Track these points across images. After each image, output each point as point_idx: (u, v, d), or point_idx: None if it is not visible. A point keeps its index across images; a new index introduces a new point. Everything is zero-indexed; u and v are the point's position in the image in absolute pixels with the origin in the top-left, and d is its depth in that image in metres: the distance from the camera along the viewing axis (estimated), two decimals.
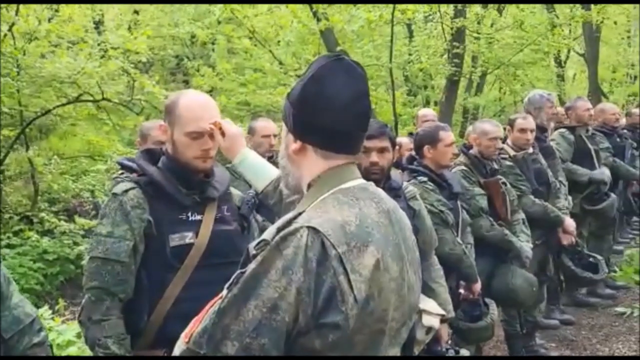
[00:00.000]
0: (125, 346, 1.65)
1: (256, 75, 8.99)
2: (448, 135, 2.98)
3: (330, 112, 1.13)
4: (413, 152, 3.13)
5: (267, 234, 1.08)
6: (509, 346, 3.88)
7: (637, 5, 17.11)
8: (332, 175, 1.17)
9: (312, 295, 1.04)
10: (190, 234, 1.72)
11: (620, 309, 4.69)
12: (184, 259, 1.70)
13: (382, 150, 2.31)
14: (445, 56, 8.35)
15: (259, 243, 1.08)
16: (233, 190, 1.95)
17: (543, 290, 3.99)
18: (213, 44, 12.71)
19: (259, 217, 3.31)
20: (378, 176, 2.31)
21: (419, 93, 12.81)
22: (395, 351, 1.18)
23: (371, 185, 1.21)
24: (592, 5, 10.19)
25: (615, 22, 18.32)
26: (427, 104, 12.26)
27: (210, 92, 11.55)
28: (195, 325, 1.10)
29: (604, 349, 4.02)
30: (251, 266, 1.07)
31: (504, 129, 3.92)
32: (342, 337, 1.05)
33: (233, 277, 1.08)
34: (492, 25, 10.74)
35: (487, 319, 2.97)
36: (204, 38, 10.25)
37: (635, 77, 23.14)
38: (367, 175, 2.31)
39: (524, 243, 3.45)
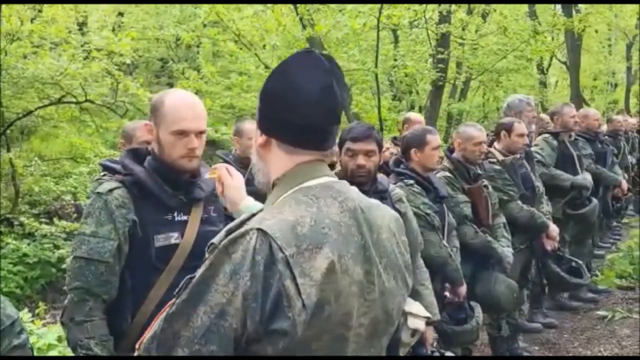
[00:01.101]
0: (108, 348, 1.63)
1: (242, 78, 8.97)
2: (435, 139, 3.00)
3: (294, 105, 1.10)
4: (400, 155, 3.14)
5: (217, 237, 1.06)
6: (493, 349, 3.90)
7: (618, 14, 17.42)
8: (297, 173, 1.13)
9: (260, 301, 1.00)
10: (175, 235, 1.71)
11: (601, 313, 4.73)
12: (169, 259, 1.68)
13: (368, 153, 2.31)
14: (430, 61, 8.40)
15: (208, 247, 1.06)
16: None
17: (523, 294, 4.03)
18: (198, 46, 12.66)
19: None
20: (365, 179, 2.32)
21: (404, 98, 12.89)
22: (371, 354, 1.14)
23: (337, 183, 1.15)
24: (574, 13, 10.36)
25: (596, 31, 18.64)
26: (411, 108, 12.33)
27: (196, 94, 11.50)
28: (147, 333, 1.08)
29: (586, 352, 4.06)
30: (200, 271, 1.04)
31: (496, 133, 3.95)
32: (294, 343, 1.01)
33: (182, 282, 1.06)
34: (476, 32, 10.86)
35: (473, 322, 2.98)
36: (189, 41, 10.20)
37: (616, 85, 23.55)
38: (353, 177, 2.33)
39: (505, 248, 3.48)
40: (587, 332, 4.42)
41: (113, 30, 12.07)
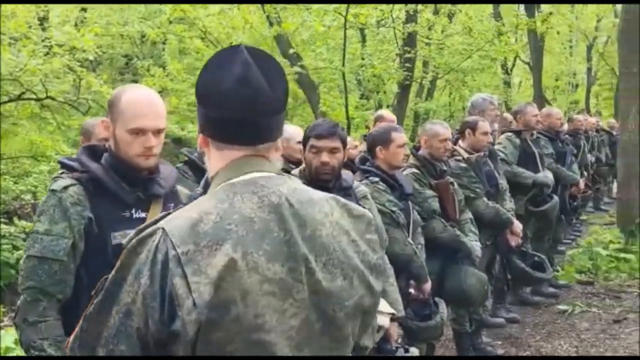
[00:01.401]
0: (62, 349, 1.58)
1: None
2: (400, 136, 3.01)
3: (213, 100, 1.08)
4: (365, 153, 3.15)
5: (127, 238, 1.06)
6: (457, 344, 3.95)
7: (578, 16, 17.89)
8: (227, 170, 1.11)
9: (158, 300, 0.99)
10: (132, 232, 1.67)
11: (562, 307, 4.86)
12: None
13: (332, 150, 2.30)
14: (397, 61, 8.47)
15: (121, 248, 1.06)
16: (180, 189, 1.90)
17: (488, 290, 4.09)
18: (164, 43, 12.47)
19: None
20: (329, 176, 2.31)
21: (371, 97, 12.97)
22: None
23: (265, 178, 1.10)
24: (537, 14, 10.60)
25: (558, 32, 19.11)
26: (379, 107, 12.42)
27: (161, 92, 11.33)
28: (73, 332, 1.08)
29: (547, 346, 4.15)
30: (113, 271, 1.05)
31: (460, 131, 4.01)
32: (206, 344, 0.98)
33: (99, 282, 1.07)
34: (442, 32, 11.00)
35: (437, 318, 3.01)
36: (154, 37, 10.03)
37: (577, 86, 24.19)
38: (317, 175, 2.33)
39: (474, 242, 3.53)
40: (547, 326, 4.52)
41: (76, 25, 11.77)
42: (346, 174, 2.45)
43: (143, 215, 1.69)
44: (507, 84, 16.78)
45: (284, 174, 1.16)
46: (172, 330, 0.98)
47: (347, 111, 7.71)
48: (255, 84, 1.07)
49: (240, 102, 1.07)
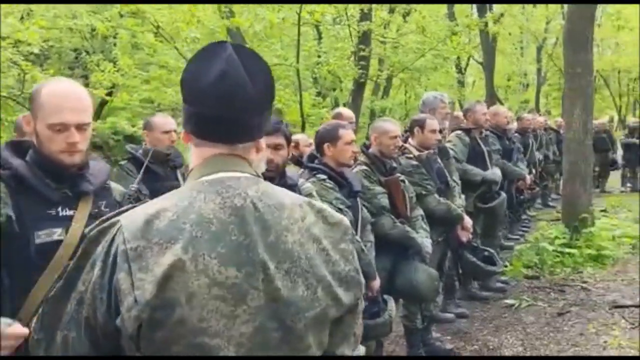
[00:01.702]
0: None
1: (160, 72, 8.68)
2: (348, 133, 3.01)
3: (192, 95, 1.07)
4: (314, 150, 3.13)
5: (90, 227, 1.06)
6: (408, 341, 3.99)
7: (529, 18, 18.42)
8: (200, 167, 1.09)
9: (106, 293, 0.99)
10: (59, 231, 1.59)
11: (509, 301, 4.97)
12: (51, 257, 1.57)
13: (276, 147, 2.27)
14: (352, 58, 8.50)
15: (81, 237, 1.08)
16: (114, 185, 1.83)
17: (439, 286, 4.14)
18: (115, 37, 12.13)
19: None
20: (273, 173, 2.28)
21: (328, 95, 12.99)
22: None
23: (232, 179, 1.07)
24: (488, 14, 10.83)
25: (509, 33, 19.62)
26: (335, 105, 12.45)
27: (112, 88, 11.03)
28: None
29: (494, 340, 4.24)
30: (74, 258, 1.06)
31: (410, 129, 4.04)
32: (151, 342, 0.97)
33: (64, 266, 1.09)
34: (397, 31, 11.11)
35: (385, 316, 3.02)
36: (103, 31, 9.75)
37: (528, 85, 24.91)
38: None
39: (425, 239, 3.56)
40: (495, 321, 4.62)
41: (22, 18, 11.32)
42: (291, 171, 2.42)
43: (70, 213, 1.62)
44: (461, 83, 17.15)
45: (259, 176, 1.12)
46: (116, 325, 0.98)
47: (301, 108, 7.68)
48: (235, 80, 1.04)
49: (218, 98, 1.05)
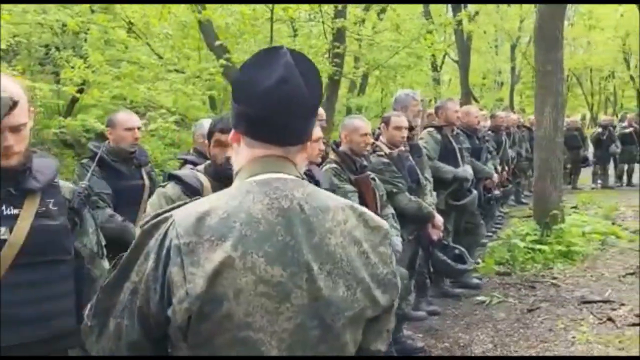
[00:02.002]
0: None
1: (131, 68, 8.51)
2: (315, 131, 2.96)
3: (251, 96, 1.11)
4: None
5: (144, 220, 1.12)
6: None
7: (503, 17, 18.61)
8: (250, 167, 1.13)
9: (159, 283, 1.04)
10: (3, 230, 1.53)
11: (480, 298, 5.00)
12: None
13: None
14: (327, 56, 8.46)
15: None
16: (63, 183, 1.76)
17: (411, 284, 4.14)
18: (86, 33, 11.89)
19: (110, 211, 3.10)
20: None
21: None
22: None
23: (280, 180, 1.11)
24: (463, 11, 10.89)
25: (484, 32, 19.80)
26: None
27: (83, 85, 10.80)
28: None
29: (465, 337, 4.25)
30: (128, 250, 1.10)
31: (379, 127, 4.03)
32: (196, 335, 1.02)
33: (119, 255, 1.12)
34: (373, 28, 11.11)
35: None
36: (73, 27, 9.53)
37: (502, 84, 25.19)
38: (224, 170, 2.22)
39: (395, 237, 3.54)
40: (467, 318, 4.64)
41: None
42: None
43: (15, 211, 1.56)
44: (437, 81, 17.22)
45: (303, 177, 1.17)
46: (167, 315, 1.03)
47: None
48: (294, 86, 1.09)
49: (278, 102, 1.09)
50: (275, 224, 1.07)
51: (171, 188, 2.13)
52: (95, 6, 9.90)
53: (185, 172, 2.23)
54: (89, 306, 1.15)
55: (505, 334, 4.28)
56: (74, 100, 11.16)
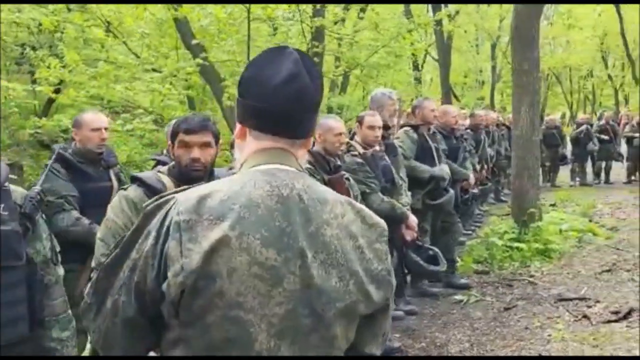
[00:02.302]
0: None
1: (107, 67, 8.39)
2: None
3: (261, 91, 1.15)
4: None
5: (149, 201, 1.15)
6: None
7: (483, 16, 18.73)
8: (255, 157, 1.17)
9: (157, 260, 1.07)
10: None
11: (458, 297, 4.99)
12: None
13: (204, 146, 2.17)
14: None
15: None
16: (14, 188, 1.70)
17: None
18: (62, 32, 11.71)
19: (76, 214, 3.02)
20: (200, 173, 2.18)
21: None
22: (293, 350, 1.09)
23: (282, 171, 1.14)
24: (442, 11, 10.91)
25: (465, 31, 19.92)
26: None
27: (59, 84, 10.63)
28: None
29: (442, 337, 4.24)
30: (130, 231, 1.14)
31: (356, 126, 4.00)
32: (188, 312, 1.05)
33: (121, 235, 1.18)
34: (354, 27, 11.07)
35: None
36: (48, 26, 9.38)
37: (483, 82, 25.37)
38: (188, 172, 2.18)
39: None
40: (444, 317, 4.63)
41: None
42: (219, 170, 2.33)
43: None
44: (418, 80, 17.28)
45: (303, 170, 1.20)
46: (162, 291, 1.06)
47: None
48: (303, 82, 1.14)
49: (289, 97, 1.13)
50: (273, 210, 1.09)
51: (133, 190, 2.09)
52: (72, 5, 9.74)
53: (148, 174, 2.18)
54: (89, 285, 1.18)
55: (482, 332, 4.28)
56: (51, 101, 10.99)
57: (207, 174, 2.22)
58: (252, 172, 1.15)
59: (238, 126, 1.22)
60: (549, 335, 4.10)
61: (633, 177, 12.01)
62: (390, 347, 4.03)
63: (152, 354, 1.19)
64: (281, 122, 1.16)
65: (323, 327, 1.11)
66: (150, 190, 2.04)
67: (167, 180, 2.13)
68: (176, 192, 1.15)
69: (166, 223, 1.08)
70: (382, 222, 1.23)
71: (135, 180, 2.12)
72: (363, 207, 1.23)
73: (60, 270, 1.77)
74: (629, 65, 22.63)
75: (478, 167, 7.29)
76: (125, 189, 2.11)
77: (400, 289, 4.76)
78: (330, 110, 13.99)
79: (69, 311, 1.91)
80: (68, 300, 1.97)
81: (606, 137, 11.81)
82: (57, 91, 10.83)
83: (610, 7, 20.76)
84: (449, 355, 3.95)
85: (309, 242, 1.10)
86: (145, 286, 1.08)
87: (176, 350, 1.09)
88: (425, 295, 5.11)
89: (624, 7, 20.11)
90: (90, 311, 1.17)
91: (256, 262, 1.06)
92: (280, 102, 1.14)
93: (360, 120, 3.87)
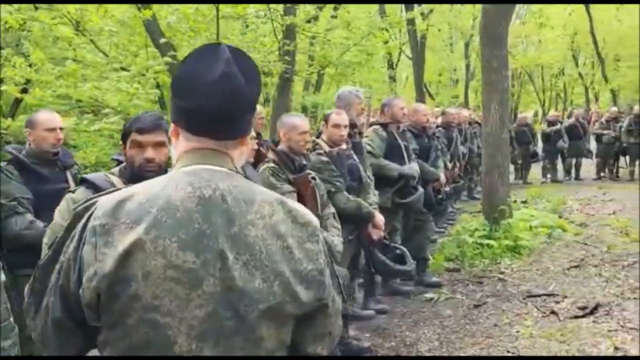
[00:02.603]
0: None
1: (74, 66, 8.19)
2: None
3: (192, 91, 1.14)
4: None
5: (77, 204, 1.16)
6: None
7: (456, 15, 18.86)
8: (185, 157, 1.17)
9: (78, 264, 1.07)
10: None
11: (429, 295, 4.99)
12: None
13: (157, 145, 2.11)
14: (276, 53, 8.35)
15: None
16: None
17: (354, 284, 4.09)
18: (29, 31, 11.44)
19: (30, 217, 2.92)
20: (154, 173, 2.10)
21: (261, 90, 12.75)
22: (217, 352, 1.09)
23: (208, 171, 1.14)
24: (415, 10, 10.94)
25: (439, 30, 20.05)
26: (266, 101, 12.27)
27: (26, 84, 10.37)
28: None
29: (412, 335, 4.23)
30: (61, 231, 1.14)
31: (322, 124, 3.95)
32: (109, 314, 1.06)
33: (54, 237, 1.17)
34: (328, 24, 11.04)
35: None
36: (13, 24, 9.13)
37: (457, 81, 25.58)
38: (141, 172, 2.11)
39: (335, 237, 3.47)
40: (414, 315, 4.62)
41: None
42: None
43: None
44: (392, 78, 17.33)
45: (238, 171, 1.19)
46: (79, 294, 1.07)
47: None
48: (236, 81, 1.12)
49: (221, 96, 1.12)
50: (193, 212, 1.09)
51: (81, 193, 2.02)
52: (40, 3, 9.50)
53: (96, 175, 2.11)
54: (28, 284, 1.18)
55: (452, 330, 4.28)
56: (18, 101, 10.73)
57: (161, 174, 2.16)
58: (176, 174, 1.15)
59: (172, 125, 1.20)
60: (517, 332, 4.11)
61: (602, 174, 12.22)
62: (359, 347, 4.00)
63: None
64: (212, 123, 1.15)
65: (247, 329, 1.10)
66: (99, 192, 1.95)
67: (117, 181, 2.06)
68: (107, 192, 1.14)
69: (88, 227, 1.09)
70: (315, 221, 1.21)
71: (83, 182, 2.04)
72: (296, 206, 1.20)
73: (2, 276, 1.69)
74: (599, 64, 23.06)
75: (450, 165, 7.31)
76: (73, 192, 2.03)
77: (371, 288, 4.75)
78: (304, 109, 13.96)
79: (11, 319, 1.82)
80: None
81: (548, 131, 12.03)
82: (24, 91, 10.58)
83: (580, 7, 21.12)
84: (418, 354, 3.93)
85: (231, 244, 1.09)
86: (69, 289, 1.09)
87: (105, 352, 1.11)
88: (396, 294, 5.10)
89: (594, 7, 20.48)
90: (30, 311, 1.18)
91: (172, 266, 1.06)
92: (210, 103, 1.12)
93: (326, 119, 3.83)
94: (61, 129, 3.05)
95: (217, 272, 1.08)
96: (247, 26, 10.53)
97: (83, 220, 1.11)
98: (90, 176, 2.09)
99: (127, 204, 1.08)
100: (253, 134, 2.90)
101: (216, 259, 1.08)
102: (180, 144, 1.19)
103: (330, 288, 1.21)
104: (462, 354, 3.88)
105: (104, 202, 1.10)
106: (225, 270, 1.08)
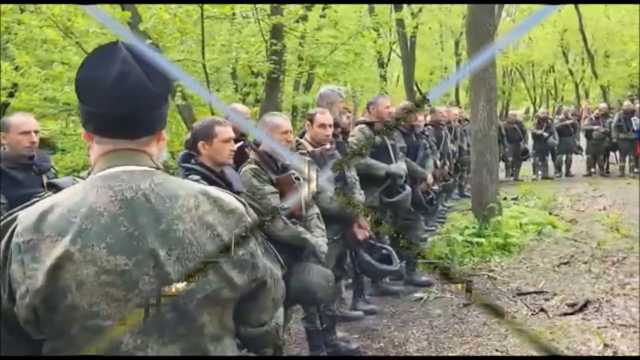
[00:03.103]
0: None
1: (59, 69, 8.12)
2: (225, 131, 2.81)
3: (91, 94, 1.12)
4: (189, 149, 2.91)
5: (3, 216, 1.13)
6: (310, 343, 3.85)
7: (447, 14, 18.88)
8: (101, 161, 1.15)
9: (7, 282, 1.06)
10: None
11: (418, 295, 4.95)
12: None
13: None
14: (264, 53, 8.30)
15: None
16: None
17: (340, 284, 4.04)
18: (15, 34, 11.33)
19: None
20: None
21: (250, 91, 12.70)
22: (170, 350, 1.12)
23: (127, 173, 1.13)
24: (404, 9, 10.92)
25: (429, 28, 20.06)
26: (256, 102, 12.21)
27: (13, 88, 10.27)
28: None
29: (400, 335, 4.18)
30: None
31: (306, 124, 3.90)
32: (50, 327, 1.06)
33: None
34: (317, 22, 10.99)
35: (271, 324, 2.85)
36: None
37: (448, 79, 25.60)
38: None
39: (320, 238, 3.42)
40: (403, 315, 4.58)
41: None
42: (63, 180, 2.21)
43: None
44: (383, 77, 17.30)
45: (158, 167, 1.18)
46: (15, 311, 1.06)
47: (210, 105, 7.41)
48: (135, 80, 1.11)
49: (120, 99, 1.10)
50: (118, 216, 1.09)
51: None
52: (26, 5, 9.41)
53: (64, 179, 2.03)
54: None
55: (441, 330, 4.24)
56: (5, 105, 10.63)
57: None
58: (93, 180, 1.14)
59: (84, 130, 1.19)
60: (507, 331, 4.07)
61: (592, 170, 12.24)
62: (347, 349, 3.96)
63: None
64: (119, 124, 1.14)
65: (188, 319, 1.14)
66: None
67: None
68: (25, 206, 1.12)
69: (11, 244, 1.07)
70: (241, 207, 1.23)
71: (51, 187, 1.98)
72: (220, 195, 1.21)
73: None
74: (589, 60, 23.13)
75: (440, 163, 7.27)
76: (41, 197, 1.97)
77: (360, 288, 4.70)
78: (295, 109, 13.91)
79: None
80: None
81: (540, 132, 12.00)
82: (11, 95, 10.48)
83: (570, 5, 21.18)
84: (407, 355, 3.89)
85: (161, 241, 1.11)
86: (1, 307, 1.08)
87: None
88: (386, 294, 5.05)
89: (582, 5, 20.54)
90: None
91: (105, 271, 1.07)
92: (113, 104, 1.11)
93: (310, 119, 3.77)
94: (36, 132, 2.99)
95: (151, 270, 1.10)
96: (232, 26, 10.47)
97: (6, 238, 1.08)
98: (58, 181, 2.02)
99: (49, 216, 1.08)
100: (231, 134, 2.84)
101: (148, 258, 1.10)
102: (95, 148, 1.18)
103: (264, 266, 1.25)
104: (450, 354, 3.84)
105: (24, 218, 1.08)
106: (159, 267, 1.10)
